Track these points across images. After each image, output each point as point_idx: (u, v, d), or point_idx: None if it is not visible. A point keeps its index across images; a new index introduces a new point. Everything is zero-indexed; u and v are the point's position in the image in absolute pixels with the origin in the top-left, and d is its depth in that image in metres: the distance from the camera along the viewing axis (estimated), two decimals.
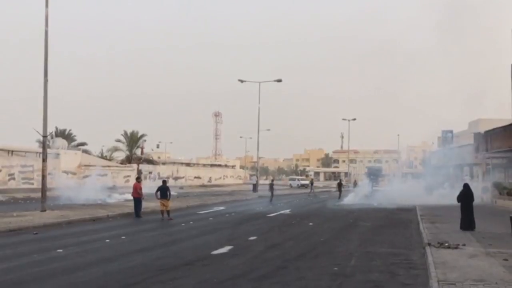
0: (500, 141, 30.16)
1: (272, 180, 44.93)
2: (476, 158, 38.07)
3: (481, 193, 36.27)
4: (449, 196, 36.52)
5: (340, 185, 46.79)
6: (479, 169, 41.13)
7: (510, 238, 9.61)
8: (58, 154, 48.73)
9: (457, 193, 18.74)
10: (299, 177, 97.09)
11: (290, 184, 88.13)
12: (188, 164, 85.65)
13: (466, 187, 18.48)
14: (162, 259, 12.25)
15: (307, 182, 73.68)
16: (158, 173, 67.51)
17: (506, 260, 11.15)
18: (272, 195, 40.43)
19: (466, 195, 18.12)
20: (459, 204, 18.20)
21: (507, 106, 36.57)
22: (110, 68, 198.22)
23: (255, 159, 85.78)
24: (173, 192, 35.21)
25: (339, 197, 41.33)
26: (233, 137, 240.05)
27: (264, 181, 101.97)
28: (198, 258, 12.41)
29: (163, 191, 23.26)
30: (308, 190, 54.07)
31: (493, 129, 31.52)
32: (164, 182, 24.39)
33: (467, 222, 17.69)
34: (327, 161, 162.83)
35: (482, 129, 35.37)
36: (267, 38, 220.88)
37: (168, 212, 22.95)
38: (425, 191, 44.37)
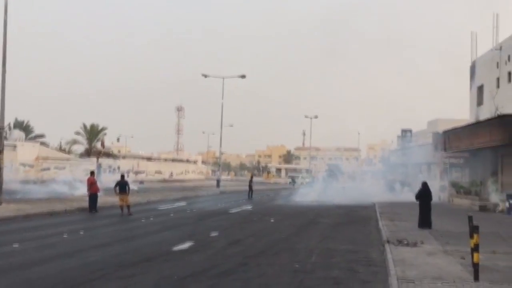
0: (458, 141, 30.81)
1: (252, 177, 44.75)
2: (434, 157, 38.84)
3: (439, 192, 37.08)
4: (407, 194, 37.31)
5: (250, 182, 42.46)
6: (437, 168, 41.98)
7: (467, 236, 9.80)
8: (15, 146, 47.52)
9: (415, 191, 19.09)
10: (301, 174, 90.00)
11: (292, 181, 76.29)
12: (149, 159, 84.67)
13: (425, 185, 18.80)
14: (121, 255, 12.04)
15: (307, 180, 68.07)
16: (118, 167, 66.58)
17: (463, 258, 11.38)
18: (251, 191, 40.81)
19: (424, 194, 18.44)
20: (418, 202, 18.52)
21: (465, 107, 37.51)
22: (72, 61, 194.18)
23: (217, 155, 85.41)
24: (133, 187, 34.84)
25: (249, 196, 40.03)
26: (195, 132, 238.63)
27: (226, 177, 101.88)
28: (158, 254, 12.26)
29: (122, 185, 22.83)
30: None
31: (451, 129, 32.15)
32: (123, 176, 23.98)
33: (425, 220, 18.01)
34: (288, 157, 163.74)
35: (441, 128, 36.08)
36: (231, 33, 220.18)
37: (128, 207, 22.60)
38: (384, 189, 45.07)
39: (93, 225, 18.78)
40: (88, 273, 9.93)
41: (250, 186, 41.11)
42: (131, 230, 17.14)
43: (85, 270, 10.18)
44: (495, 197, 28.43)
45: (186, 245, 13.78)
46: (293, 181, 56.27)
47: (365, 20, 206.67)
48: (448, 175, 38.17)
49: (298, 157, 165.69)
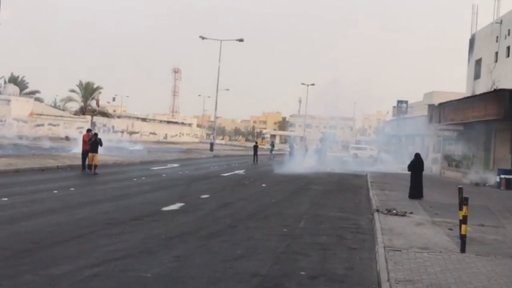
0: (453, 114, 30.73)
1: (256, 143, 44.83)
2: (428, 129, 38.81)
3: (431, 164, 37.18)
4: (398, 165, 37.42)
5: (256, 147, 43.10)
6: (430, 140, 42.05)
7: (456, 208, 9.77)
8: (9, 101, 47.17)
9: (407, 162, 19.11)
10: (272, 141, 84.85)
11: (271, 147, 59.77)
12: (144, 120, 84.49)
13: (417, 156, 18.80)
14: (110, 213, 12.01)
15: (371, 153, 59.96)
16: (113, 127, 66.46)
17: (451, 229, 11.40)
18: (256, 156, 41.41)
19: (417, 165, 18.45)
20: (409, 172, 18.55)
21: (462, 80, 37.33)
22: (71, 17, 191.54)
23: (212, 119, 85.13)
24: (132, 147, 34.72)
25: (255, 161, 40.49)
26: (191, 95, 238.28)
27: (220, 141, 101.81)
28: (148, 213, 12.23)
29: (93, 143, 21.80)
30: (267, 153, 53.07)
31: (447, 102, 32.03)
32: (96, 134, 22.79)
33: (416, 191, 18.06)
34: (284, 124, 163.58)
35: (437, 101, 35.95)
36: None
37: (95, 166, 21.63)
38: (376, 160, 45.18)
39: (84, 182, 18.75)
40: (76, 229, 9.90)
41: (256, 152, 41.52)
42: (122, 189, 17.10)
43: (73, 226, 10.15)
44: (486, 171, 28.54)
45: (176, 206, 13.75)
46: (272, 146, 53.52)
47: None
48: (441, 148, 38.27)
49: (293, 124, 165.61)
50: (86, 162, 22.08)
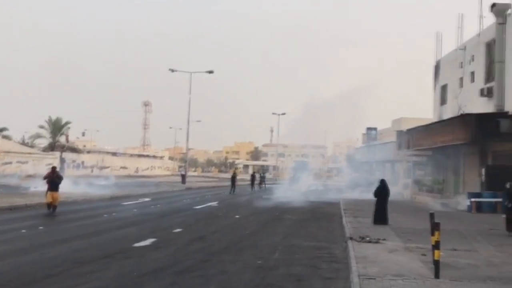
0: (421, 139, 31.19)
1: (234, 173, 44.71)
2: (398, 155, 39.28)
3: (402, 189, 37.54)
4: (370, 192, 37.67)
5: (234, 178, 43.10)
6: (400, 166, 42.50)
7: (429, 233, 9.84)
8: None
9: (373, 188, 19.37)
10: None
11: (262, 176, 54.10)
12: (114, 154, 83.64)
13: (383, 182, 19.07)
14: (81, 251, 11.75)
15: None
16: (82, 162, 65.58)
17: (424, 255, 11.46)
18: (255, 185, 43.33)
19: (382, 191, 18.69)
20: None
21: (429, 106, 38.04)
22: (37, 53, 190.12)
23: (184, 151, 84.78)
24: (103, 182, 34.17)
25: (233, 191, 40.50)
26: (162, 127, 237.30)
27: (193, 173, 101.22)
28: (119, 250, 12.00)
29: (53, 182, 20.23)
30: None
31: (415, 128, 32.51)
32: (54, 168, 21.54)
33: (380, 216, 18.25)
34: (256, 154, 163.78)
35: (405, 127, 36.47)
36: (199, 29, 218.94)
37: (54, 206, 20.12)
38: (348, 187, 45.45)
39: (53, 220, 18.33)
40: (46, 269, 9.64)
41: (233, 182, 41.48)
42: (92, 226, 16.76)
43: (43, 266, 9.89)
44: (457, 195, 28.92)
45: (148, 241, 13.53)
46: (262, 177, 51.44)
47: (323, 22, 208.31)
48: (411, 173, 38.69)
49: (265, 154, 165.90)
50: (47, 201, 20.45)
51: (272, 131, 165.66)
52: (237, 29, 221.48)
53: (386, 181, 19.70)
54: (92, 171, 63.12)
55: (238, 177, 45.60)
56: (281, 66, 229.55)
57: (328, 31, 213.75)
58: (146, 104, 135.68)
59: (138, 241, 13.37)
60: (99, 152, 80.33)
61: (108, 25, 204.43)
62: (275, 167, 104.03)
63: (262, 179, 51.01)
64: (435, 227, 9.22)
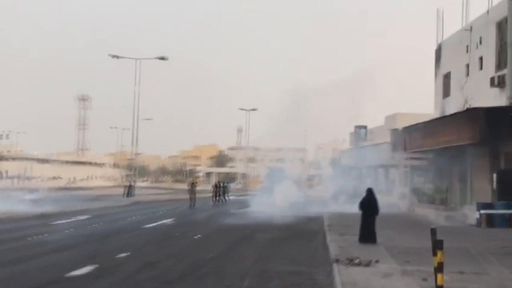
0: (420, 140, 31.41)
1: (194, 183, 44.27)
2: (392, 159, 39.54)
3: (398, 200, 37.81)
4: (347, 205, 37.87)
5: (193, 188, 43.27)
6: (395, 172, 42.81)
7: (430, 253, 9.90)
8: None
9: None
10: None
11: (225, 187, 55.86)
12: (45, 161, 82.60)
13: (369, 192, 19.18)
14: (2, 282, 11.55)
15: None
16: (6, 171, 64.66)
17: (425, 280, 11.54)
18: (218, 198, 43.44)
19: (368, 202, 18.83)
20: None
21: (429, 99, 38.47)
22: None
23: (131, 156, 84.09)
24: (31, 196, 33.56)
25: (192, 205, 40.46)
26: (104, 128, 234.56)
27: (142, 183, 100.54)
28: (50, 281, 11.85)
29: None
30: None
31: (412, 125, 32.68)
32: None
33: (367, 233, 18.39)
34: (221, 159, 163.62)
35: (400, 125, 36.68)
36: (149, 8, 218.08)
37: None
38: (333, 198, 45.69)
39: None
40: None
41: (193, 193, 41.33)
42: (17, 251, 16.51)
43: None
44: (463, 206, 29.22)
45: (86, 269, 13.36)
46: (224, 188, 51.20)
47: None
48: (409, 181, 39.00)
49: (232, 159, 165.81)
50: None
51: (240, 131, 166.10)
52: (196, 5, 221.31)
53: (374, 190, 19.81)
54: (14, 182, 62.18)
55: (199, 188, 45.40)
56: (254, 55, 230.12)
57: (308, 16, 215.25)
58: (83, 99, 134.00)
59: (73, 269, 13.19)
60: (26, 158, 79.21)
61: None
62: (244, 175, 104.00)
63: (224, 190, 50.18)
64: (437, 245, 9.29)
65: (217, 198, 47.20)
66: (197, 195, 42.62)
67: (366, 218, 18.68)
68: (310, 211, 35.79)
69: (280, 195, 46.63)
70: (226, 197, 49.54)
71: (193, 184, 43.17)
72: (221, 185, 50.65)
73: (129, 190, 52.66)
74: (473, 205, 26.93)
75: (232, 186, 75.18)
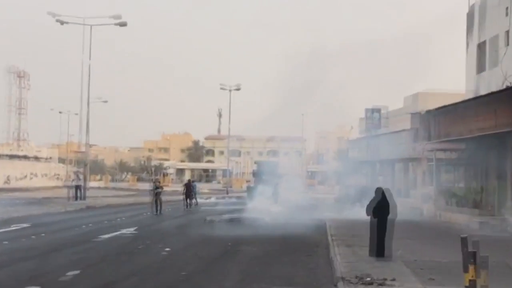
0: (449, 126, 31.43)
1: (157, 182, 44.09)
2: (413, 150, 39.59)
3: (421, 203, 37.89)
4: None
5: (157, 189, 43.06)
6: (417, 166, 42.84)
7: (460, 269, 9.96)
8: None
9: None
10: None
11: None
12: None
13: (381, 193, 19.02)
14: None
15: None
16: None
17: None
18: (159, 204, 41.24)
19: (381, 206, 18.80)
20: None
21: (460, 74, 38.47)
22: None
23: (82, 148, 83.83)
24: None
25: (158, 211, 40.67)
26: (46, 112, 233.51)
27: (96, 183, 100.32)
28: None
29: None
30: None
31: (439, 108, 32.68)
32: None
33: (381, 244, 18.37)
34: (196, 152, 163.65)
35: (424, 107, 36.70)
36: None
37: None
38: (339, 200, 45.87)
39: None
40: None
41: (156, 196, 41.01)
42: None
43: None
44: (503, 210, 29.34)
45: None
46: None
47: None
48: (434, 178, 39.05)
49: (211, 151, 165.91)
50: None
51: (220, 115, 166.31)
52: None
53: (388, 190, 19.66)
54: None
55: (167, 188, 45.28)
56: (236, 17, 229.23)
57: None
58: (19, 76, 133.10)
59: None
60: None
61: None
62: (225, 172, 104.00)
63: (191, 189, 49.51)
64: (470, 259, 9.35)
65: (189, 201, 47.23)
66: (165, 198, 42.56)
67: (377, 226, 18.66)
68: (310, 216, 35.85)
69: (272, 197, 46.78)
70: (193, 201, 49.31)
71: (156, 184, 42.92)
72: (191, 182, 50.65)
73: (78, 192, 51.96)
74: None
75: (211, 186, 74.78)
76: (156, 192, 41.54)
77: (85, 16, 54.58)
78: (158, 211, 40.02)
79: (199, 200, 51.37)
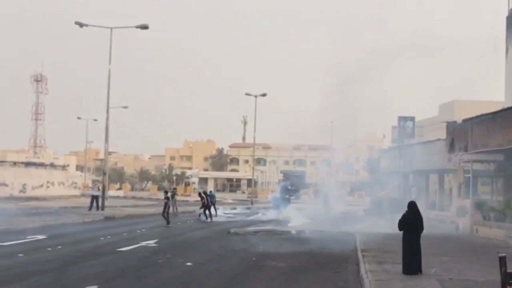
0: (487, 136, 31.28)
1: (174, 190, 44.31)
2: (449, 161, 39.40)
3: (456, 217, 37.67)
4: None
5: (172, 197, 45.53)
6: (453, 178, 42.61)
7: None
8: None
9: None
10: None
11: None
12: None
13: (413, 208, 19.02)
14: None
15: None
16: None
17: None
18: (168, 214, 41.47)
19: (412, 221, 18.75)
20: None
21: (499, 82, 38.29)
22: None
23: (101, 156, 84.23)
24: None
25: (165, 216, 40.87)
26: (65, 118, 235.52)
27: (116, 192, 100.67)
28: None
29: None
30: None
31: (476, 117, 32.55)
32: None
33: (414, 261, 18.33)
34: (220, 160, 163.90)
35: (460, 116, 36.55)
36: None
37: None
38: (370, 212, 45.71)
39: None
40: None
41: (167, 208, 41.06)
42: None
43: None
44: None
45: None
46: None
47: None
48: (471, 191, 38.83)
49: (235, 160, 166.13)
50: None
51: (245, 123, 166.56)
52: None
53: (416, 204, 19.71)
54: None
55: (189, 198, 45.34)
56: (263, 27, 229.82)
57: None
58: (37, 80, 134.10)
59: None
60: None
61: None
62: (250, 181, 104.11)
63: (210, 199, 49.30)
64: (508, 280, 9.26)
65: (209, 211, 46.63)
66: (185, 209, 42.59)
67: (409, 241, 18.61)
68: (339, 230, 35.77)
69: (324, 207, 46.75)
70: (210, 213, 49.00)
71: (173, 192, 42.84)
72: (208, 194, 50.48)
73: (96, 201, 52.05)
74: None
75: (235, 196, 74.94)
76: (165, 202, 41.56)
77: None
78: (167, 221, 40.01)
79: (223, 212, 51.32)
